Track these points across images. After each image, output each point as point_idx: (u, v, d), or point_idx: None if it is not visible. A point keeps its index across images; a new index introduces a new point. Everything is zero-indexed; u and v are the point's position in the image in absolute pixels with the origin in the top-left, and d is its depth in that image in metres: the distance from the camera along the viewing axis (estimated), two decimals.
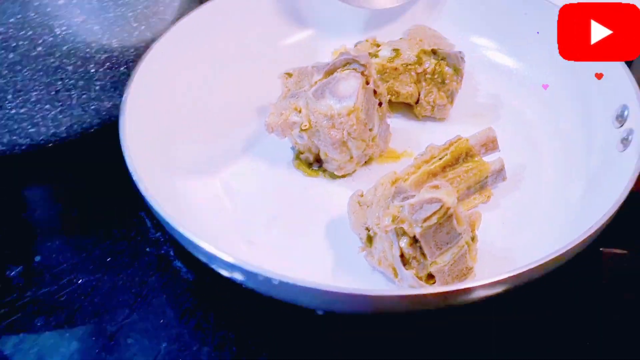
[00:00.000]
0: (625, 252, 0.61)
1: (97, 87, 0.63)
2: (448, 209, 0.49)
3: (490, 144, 0.59)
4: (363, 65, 0.60)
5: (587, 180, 0.60)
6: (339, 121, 0.59)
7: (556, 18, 0.68)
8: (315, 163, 0.64)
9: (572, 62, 0.66)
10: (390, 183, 0.55)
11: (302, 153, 0.64)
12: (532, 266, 0.47)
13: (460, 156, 0.58)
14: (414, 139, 0.66)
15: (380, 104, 0.62)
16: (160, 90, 0.65)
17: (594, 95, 0.64)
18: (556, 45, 0.67)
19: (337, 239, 0.58)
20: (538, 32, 0.69)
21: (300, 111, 0.60)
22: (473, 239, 0.53)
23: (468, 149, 0.59)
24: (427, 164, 0.57)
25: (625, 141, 0.58)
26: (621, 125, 0.59)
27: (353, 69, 0.61)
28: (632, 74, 0.60)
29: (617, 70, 0.61)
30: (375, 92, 0.62)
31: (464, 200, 0.59)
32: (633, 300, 0.57)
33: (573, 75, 0.66)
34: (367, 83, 0.60)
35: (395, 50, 0.66)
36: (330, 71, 0.61)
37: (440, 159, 0.58)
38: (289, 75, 0.64)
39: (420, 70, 0.65)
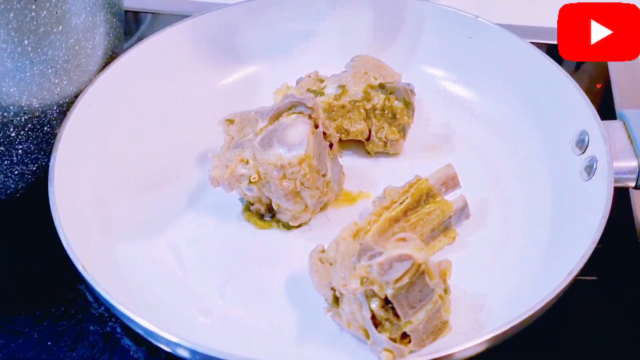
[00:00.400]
0: (594, 278, 0.59)
1: (20, 151, 0.57)
2: (420, 265, 0.46)
3: (451, 182, 0.56)
4: (310, 108, 0.57)
5: (554, 211, 0.58)
6: (290, 171, 0.55)
7: (500, 40, 0.66)
8: (267, 213, 0.60)
9: (523, 86, 0.65)
10: (352, 236, 0.51)
11: (252, 204, 0.59)
12: (515, 322, 0.44)
13: (421, 198, 0.55)
14: (369, 177, 0.63)
15: (331, 146, 0.59)
16: (91, 148, 0.60)
17: (551, 121, 0.62)
18: (505, 71, 0.66)
19: (299, 296, 0.55)
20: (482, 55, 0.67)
21: (247, 162, 0.56)
22: (446, 290, 0.50)
23: (429, 190, 0.56)
24: (388, 210, 0.54)
25: (589, 169, 0.56)
26: (582, 152, 0.57)
27: (299, 112, 0.57)
28: (631, 76, 0.60)
29: (572, 93, 0.59)
30: (324, 134, 0.58)
31: (429, 244, 0.56)
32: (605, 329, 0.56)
33: (526, 100, 0.64)
34: (316, 127, 0.57)
35: (342, 86, 0.62)
36: (275, 116, 0.57)
37: (401, 203, 0.55)
38: (231, 121, 0.60)
39: (369, 106, 0.62)
